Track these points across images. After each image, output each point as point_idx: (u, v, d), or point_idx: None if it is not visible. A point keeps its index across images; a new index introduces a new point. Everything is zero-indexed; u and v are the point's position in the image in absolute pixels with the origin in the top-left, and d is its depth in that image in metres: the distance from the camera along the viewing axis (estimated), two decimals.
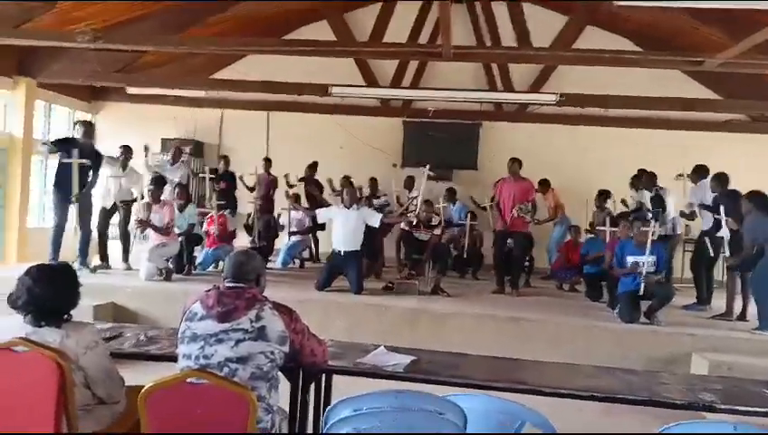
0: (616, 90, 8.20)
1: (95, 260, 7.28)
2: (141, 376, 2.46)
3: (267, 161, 8.97)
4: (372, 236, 8.42)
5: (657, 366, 5.22)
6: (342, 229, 6.62)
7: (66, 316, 2.48)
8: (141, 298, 6.02)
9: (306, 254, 9.08)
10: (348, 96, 8.33)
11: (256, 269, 2.59)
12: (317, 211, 7.17)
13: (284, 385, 2.65)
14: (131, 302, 6.01)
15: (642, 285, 5.71)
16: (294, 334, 2.46)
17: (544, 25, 8.92)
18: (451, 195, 9.11)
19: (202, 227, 7.86)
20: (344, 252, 6.59)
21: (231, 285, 2.50)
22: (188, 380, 2.18)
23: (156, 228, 6.68)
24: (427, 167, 7.81)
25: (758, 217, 5.51)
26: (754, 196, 5.66)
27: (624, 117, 9.34)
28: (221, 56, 9.92)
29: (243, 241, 8.54)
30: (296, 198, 8.42)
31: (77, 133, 6.72)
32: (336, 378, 2.98)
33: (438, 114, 10.00)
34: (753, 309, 5.99)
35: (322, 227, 8.45)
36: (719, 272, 7.32)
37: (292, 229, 8.46)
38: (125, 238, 7.48)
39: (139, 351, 2.95)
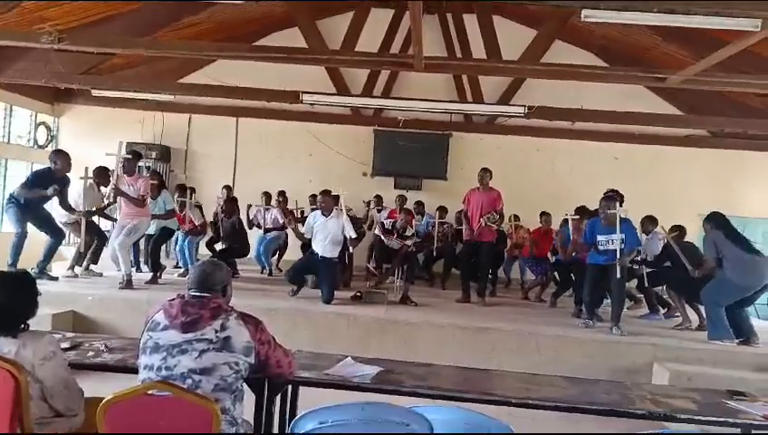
0: (582, 104, 8.39)
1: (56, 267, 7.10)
2: (101, 387, 2.39)
3: (228, 189, 8.90)
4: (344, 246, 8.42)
5: (620, 375, 5.31)
6: (321, 236, 6.63)
7: (23, 326, 2.39)
8: (103, 307, 5.84)
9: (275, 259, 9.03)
10: (319, 103, 8.30)
11: (222, 279, 2.55)
12: (303, 231, 6.97)
13: (249, 397, 2.61)
14: (92, 311, 5.83)
15: (618, 268, 5.78)
16: (260, 345, 2.42)
17: (514, 39, 9.03)
18: (419, 208, 9.14)
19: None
20: (321, 256, 6.63)
21: (196, 294, 2.45)
22: (150, 392, 2.13)
23: (130, 197, 6.40)
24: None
25: (717, 235, 5.69)
26: (713, 217, 5.85)
27: (590, 130, 9.55)
28: (190, 61, 9.79)
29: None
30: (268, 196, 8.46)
31: (54, 164, 6.34)
32: (303, 389, 2.94)
33: (409, 124, 10.06)
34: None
35: None
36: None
37: (267, 226, 8.46)
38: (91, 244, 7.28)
39: (100, 361, 2.86)
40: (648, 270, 6.95)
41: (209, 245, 8.43)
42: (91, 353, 2.95)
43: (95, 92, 8.65)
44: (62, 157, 6.43)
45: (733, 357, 5.38)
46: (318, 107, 9.28)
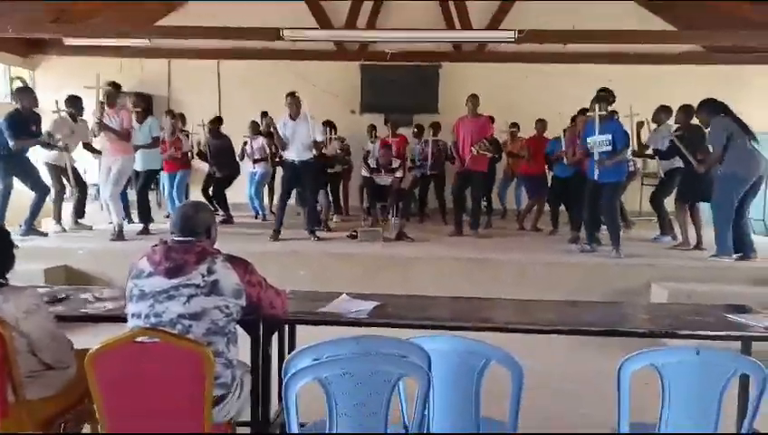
0: (574, 25, 8.07)
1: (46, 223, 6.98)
2: (94, 339, 2.34)
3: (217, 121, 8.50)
4: (335, 183, 8.31)
5: (619, 297, 5.33)
6: (292, 140, 6.50)
7: (2, 280, 2.31)
8: (95, 260, 5.78)
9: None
10: (301, 39, 7.98)
11: (206, 221, 2.46)
12: (279, 134, 6.78)
13: (245, 338, 2.57)
14: (85, 264, 5.77)
15: (596, 171, 5.72)
16: (250, 287, 2.35)
17: None
18: (419, 132, 8.96)
19: None
20: (298, 161, 6.51)
21: (179, 239, 2.36)
22: (138, 339, 2.06)
23: (114, 131, 6.18)
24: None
25: (724, 121, 5.47)
26: (708, 104, 5.62)
27: (583, 53, 9.26)
28: (165, 2, 9.38)
29: (200, 163, 8.49)
30: (255, 126, 8.29)
31: (20, 102, 6.18)
32: (299, 328, 2.90)
33: (396, 57, 9.74)
34: (707, 237, 6.15)
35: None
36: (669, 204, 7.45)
37: (255, 157, 8.28)
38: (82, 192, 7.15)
39: (90, 313, 2.79)
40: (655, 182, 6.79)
41: (204, 191, 8.32)
42: (80, 305, 2.89)
43: (68, 41, 8.30)
44: (25, 94, 6.29)
45: (731, 273, 5.39)
46: (301, 44, 8.93)
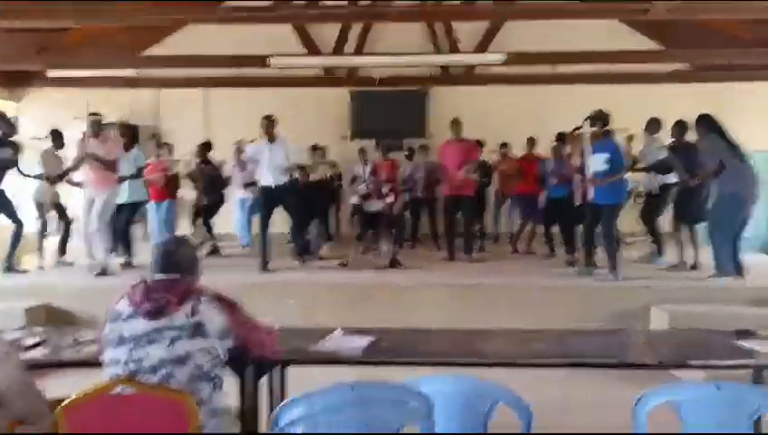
0: (563, 47, 8.09)
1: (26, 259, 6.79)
2: (73, 386, 2.18)
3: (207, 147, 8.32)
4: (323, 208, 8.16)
5: (618, 322, 5.21)
6: (268, 164, 6.36)
7: None
8: (78, 298, 5.54)
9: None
10: (288, 66, 7.93)
11: (190, 257, 2.32)
12: (246, 156, 6.74)
13: (234, 381, 2.41)
14: (68, 302, 5.53)
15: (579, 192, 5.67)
16: (238, 327, 2.21)
17: None
18: (411, 154, 8.90)
19: None
20: (275, 186, 6.38)
21: (161, 277, 2.22)
22: (115, 390, 1.91)
23: (102, 161, 5.98)
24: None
25: (711, 138, 5.44)
26: (705, 119, 5.57)
27: (572, 74, 9.27)
28: (150, 32, 9.33)
29: (186, 192, 8.28)
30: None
31: None
32: (292, 369, 2.75)
33: (385, 82, 9.72)
34: (703, 258, 6.06)
35: None
36: (665, 223, 7.37)
37: (246, 182, 7.95)
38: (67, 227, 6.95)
39: (67, 358, 2.62)
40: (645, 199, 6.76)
41: (194, 222, 8.15)
42: (58, 349, 2.72)
43: (53, 73, 8.19)
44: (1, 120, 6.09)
45: (730, 293, 5.28)
46: (289, 71, 8.90)
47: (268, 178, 6.41)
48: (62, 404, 1.85)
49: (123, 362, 2.09)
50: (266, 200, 6.51)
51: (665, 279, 5.80)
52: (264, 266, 6.37)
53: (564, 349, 2.69)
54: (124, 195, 6.73)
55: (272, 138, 6.41)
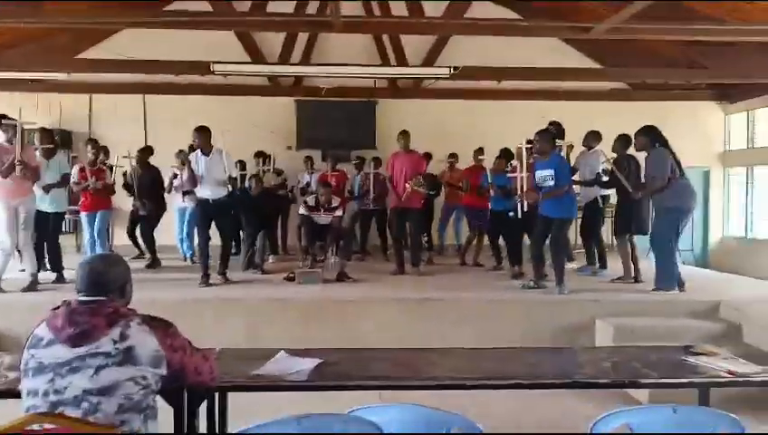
0: (508, 63, 8.22)
1: None
2: None
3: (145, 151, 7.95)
4: (270, 219, 7.95)
5: (564, 334, 5.26)
6: (206, 176, 6.11)
7: None
8: (4, 315, 5.15)
9: None
10: (232, 73, 7.71)
11: (119, 277, 2.12)
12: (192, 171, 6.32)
13: (168, 410, 2.23)
14: None
15: (518, 205, 5.72)
16: (172, 353, 2.03)
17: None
18: (360, 164, 8.83)
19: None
20: (212, 199, 6.15)
21: (86, 299, 2.02)
22: (33, 425, 1.71)
23: (32, 169, 5.56)
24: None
25: (659, 150, 5.52)
26: (650, 131, 5.66)
27: (516, 90, 9.44)
28: (87, 34, 8.89)
29: (122, 201, 7.92)
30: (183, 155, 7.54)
31: None
32: (232, 395, 2.57)
33: (332, 92, 9.62)
34: (644, 271, 6.20)
35: None
36: (607, 236, 7.56)
37: (185, 189, 7.47)
38: None
39: None
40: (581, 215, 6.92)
41: (131, 233, 7.77)
42: None
43: None
44: None
45: (671, 307, 5.41)
46: (233, 79, 8.70)
47: (205, 191, 6.16)
48: None
49: (43, 394, 1.88)
50: (203, 214, 6.28)
51: (610, 292, 5.90)
52: (206, 281, 6.11)
53: (515, 368, 2.63)
54: (49, 204, 6.29)
55: (206, 150, 6.14)
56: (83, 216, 7.17)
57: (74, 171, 7.00)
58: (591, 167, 6.78)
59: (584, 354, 2.99)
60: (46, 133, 6.44)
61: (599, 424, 1.77)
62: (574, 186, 6.73)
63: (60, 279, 6.27)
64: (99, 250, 6.97)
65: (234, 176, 6.44)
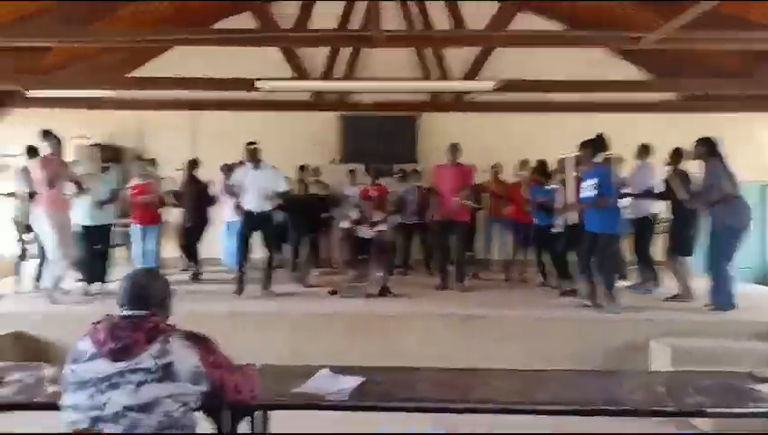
0: (552, 76, 8.05)
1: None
2: (32, 429, 1.96)
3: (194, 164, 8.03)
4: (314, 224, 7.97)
5: (617, 356, 5.06)
6: (253, 188, 6.31)
7: None
8: (52, 326, 5.23)
9: None
10: (276, 90, 7.78)
11: (161, 291, 2.12)
12: (232, 180, 6.58)
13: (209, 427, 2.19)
14: (40, 331, 5.25)
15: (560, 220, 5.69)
16: (212, 369, 1.99)
17: (476, 13, 8.65)
18: (404, 177, 8.77)
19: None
20: (257, 212, 6.31)
21: (127, 313, 2.01)
22: None
23: (77, 181, 5.79)
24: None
25: (714, 162, 5.35)
26: (708, 141, 5.47)
27: (560, 102, 9.23)
28: (135, 54, 9.16)
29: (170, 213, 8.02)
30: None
31: None
32: (274, 412, 2.51)
33: (374, 107, 9.62)
34: (697, 289, 5.94)
35: None
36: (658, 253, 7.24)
37: (224, 200, 7.50)
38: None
39: (26, 399, 2.38)
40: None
41: (184, 245, 7.85)
42: (17, 388, 2.47)
43: (31, 93, 7.98)
44: None
45: (730, 327, 5.12)
46: (278, 95, 8.76)
47: (251, 203, 6.32)
48: None
49: (83, 408, 1.87)
50: (247, 225, 6.40)
51: (664, 310, 5.63)
52: (241, 291, 6.28)
53: (570, 393, 2.48)
54: (87, 218, 6.39)
55: (256, 163, 6.35)
56: (135, 229, 7.22)
57: (128, 185, 7.13)
58: (643, 181, 6.53)
59: (643, 379, 2.82)
60: (104, 149, 6.63)
61: None
62: (625, 199, 6.52)
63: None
64: (150, 263, 7.02)
65: (281, 191, 6.54)
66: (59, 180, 5.66)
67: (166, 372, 1.88)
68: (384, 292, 6.40)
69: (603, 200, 5.41)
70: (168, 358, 1.89)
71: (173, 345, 1.92)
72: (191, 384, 1.92)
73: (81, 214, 6.29)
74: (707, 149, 5.42)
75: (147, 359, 1.88)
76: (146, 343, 1.90)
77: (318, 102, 9.82)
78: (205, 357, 1.97)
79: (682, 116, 9.30)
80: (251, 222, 6.35)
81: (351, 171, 9.03)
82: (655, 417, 2.27)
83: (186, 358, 1.92)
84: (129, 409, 1.84)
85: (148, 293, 2.05)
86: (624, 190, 6.43)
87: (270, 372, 2.64)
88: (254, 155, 6.37)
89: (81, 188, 6.00)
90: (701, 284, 5.85)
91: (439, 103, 9.93)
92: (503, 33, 6.98)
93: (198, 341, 2.00)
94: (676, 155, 6.08)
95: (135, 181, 7.18)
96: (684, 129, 8.47)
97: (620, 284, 6.84)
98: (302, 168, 8.39)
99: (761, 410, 2.28)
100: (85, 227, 6.35)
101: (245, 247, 6.40)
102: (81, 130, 8.82)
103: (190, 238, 7.77)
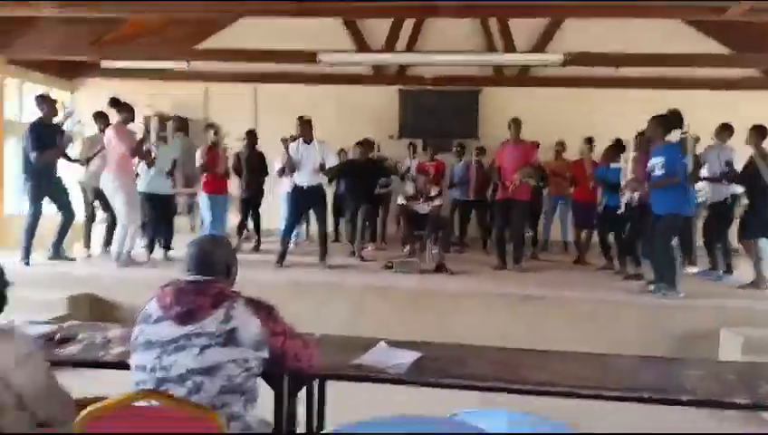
0: (624, 50, 7.67)
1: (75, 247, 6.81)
2: (102, 386, 2.04)
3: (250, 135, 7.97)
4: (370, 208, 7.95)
5: (681, 344, 4.85)
6: (305, 163, 6.35)
7: None
8: (121, 288, 5.51)
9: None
10: (338, 63, 7.76)
11: (226, 258, 2.14)
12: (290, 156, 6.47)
13: (269, 393, 2.22)
14: (110, 293, 5.51)
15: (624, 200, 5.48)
16: (273, 337, 2.01)
17: None
18: (461, 151, 8.59)
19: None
20: (307, 186, 6.37)
21: (193, 278, 2.04)
22: (140, 402, 1.73)
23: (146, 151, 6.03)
24: None
25: None
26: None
27: (632, 77, 8.80)
28: (203, 27, 9.34)
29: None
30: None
31: (42, 110, 5.93)
32: (331, 382, 2.53)
33: (436, 81, 9.47)
34: None
35: None
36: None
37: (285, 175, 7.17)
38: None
39: (96, 358, 2.48)
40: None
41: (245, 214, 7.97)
42: (86, 348, 2.57)
43: (105, 64, 8.27)
44: (46, 101, 5.98)
45: None
46: (339, 68, 8.77)
47: (302, 178, 6.39)
48: (83, 414, 1.68)
49: (150, 369, 1.92)
50: (297, 200, 6.50)
51: (736, 299, 5.35)
52: (281, 262, 6.35)
53: (636, 379, 2.38)
54: (152, 186, 6.54)
55: (308, 139, 6.38)
56: (204, 197, 7.15)
57: (199, 154, 7.06)
58: (720, 162, 6.16)
59: (720, 369, 2.66)
60: (172, 120, 6.78)
61: None
62: (702, 182, 6.20)
63: (168, 258, 6.62)
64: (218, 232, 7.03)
65: (331, 163, 6.52)
66: (130, 148, 5.86)
67: (229, 337, 1.90)
68: (440, 268, 6.36)
69: (669, 179, 5.15)
70: (232, 323, 1.92)
71: (237, 311, 1.94)
72: (253, 350, 1.94)
73: (147, 182, 6.48)
74: None
75: (211, 323, 1.91)
76: (211, 307, 1.93)
77: (379, 76, 9.75)
78: (267, 324, 1.99)
79: (763, 94, 8.73)
80: (302, 197, 6.43)
81: (412, 144, 8.95)
82: (724, 409, 2.14)
83: (249, 324, 1.94)
84: (193, 372, 1.87)
85: (213, 259, 2.08)
86: (701, 174, 6.12)
87: (327, 342, 2.65)
88: (305, 130, 6.37)
89: (150, 158, 6.20)
90: None
91: (504, 78, 9.67)
92: (575, 3, 6.64)
93: (261, 308, 2.01)
94: (759, 133, 5.67)
95: (204, 151, 7.08)
96: (765, 107, 8.01)
97: (689, 269, 6.58)
98: (359, 143, 8.19)
99: None
100: (150, 195, 6.50)
101: (295, 222, 6.45)
102: (149, 101, 9.06)
103: (248, 209, 7.88)
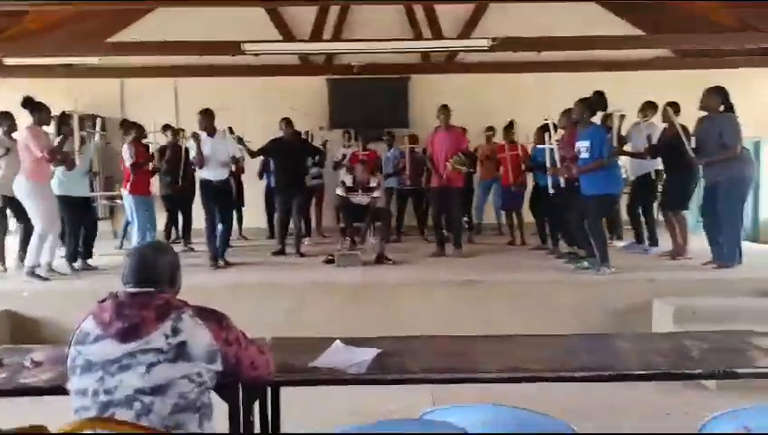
0: (547, 34, 7.86)
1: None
2: (33, 417, 1.83)
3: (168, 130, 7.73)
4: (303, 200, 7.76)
5: (617, 318, 5.03)
6: (211, 157, 6.16)
7: None
8: (43, 304, 5.07)
9: None
10: (263, 52, 7.50)
11: (170, 265, 1.99)
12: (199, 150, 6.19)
13: (222, 406, 2.08)
14: (31, 309, 5.07)
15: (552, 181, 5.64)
16: (227, 346, 1.88)
17: None
18: (390, 140, 8.65)
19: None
20: (216, 181, 6.18)
21: (134, 290, 1.88)
22: (86, 431, 1.57)
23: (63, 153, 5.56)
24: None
25: (730, 116, 5.16)
26: (722, 91, 5.25)
27: (555, 61, 9.04)
28: (115, 18, 8.81)
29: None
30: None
31: None
32: (284, 388, 2.42)
33: (364, 70, 9.38)
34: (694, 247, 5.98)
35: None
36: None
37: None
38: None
39: (23, 385, 2.23)
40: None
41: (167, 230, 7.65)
42: (9, 373, 2.32)
43: (8, 61, 7.64)
44: None
45: (731, 285, 5.10)
46: (263, 58, 8.46)
47: (209, 172, 6.18)
48: None
49: (92, 393, 1.74)
50: (207, 195, 6.25)
51: (665, 271, 5.60)
52: (216, 265, 6.15)
53: (594, 358, 2.40)
54: (69, 190, 6.03)
55: (211, 132, 6.18)
56: (131, 199, 6.75)
57: (126, 151, 6.72)
58: (644, 138, 6.41)
59: (660, 342, 2.76)
60: (64, 118, 6.19)
61: (711, 425, 1.56)
62: (623, 157, 6.43)
63: (88, 268, 6.21)
64: (149, 237, 6.63)
65: (237, 156, 6.50)
66: (45, 151, 5.41)
67: (179, 352, 1.76)
68: (381, 259, 6.32)
69: (595, 163, 5.30)
70: (181, 337, 1.77)
71: (185, 323, 1.80)
72: (206, 363, 1.81)
73: (61, 184, 5.99)
74: (720, 100, 5.22)
75: (158, 338, 1.76)
76: (156, 321, 1.78)
77: (306, 66, 9.55)
78: (219, 334, 1.86)
79: (678, 73, 9.20)
80: (210, 192, 6.20)
81: (347, 132, 8.83)
82: (667, 380, 2.21)
83: (199, 336, 1.80)
84: (141, 392, 1.72)
85: (156, 268, 1.92)
86: (625, 148, 6.37)
87: (278, 345, 2.53)
88: (208, 122, 6.16)
89: (69, 161, 5.75)
90: (699, 242, 5.84)
91: (431, 65, 9.71)
92: None
93: (212, 317, 1.88)
94: (675, 110, 5.91)
95: (129, 149, 6.72)
96: (680, 85, 8.43)
97: (616, 244, 6.86)
98: (285, 119, 7.79)
99: (763, 369, 2.25)
100: (67, 198, 5.98)
101: (213, 219, 6.16)
102: (61, 100, 8.46)
103: (181, 207, 7.56)
